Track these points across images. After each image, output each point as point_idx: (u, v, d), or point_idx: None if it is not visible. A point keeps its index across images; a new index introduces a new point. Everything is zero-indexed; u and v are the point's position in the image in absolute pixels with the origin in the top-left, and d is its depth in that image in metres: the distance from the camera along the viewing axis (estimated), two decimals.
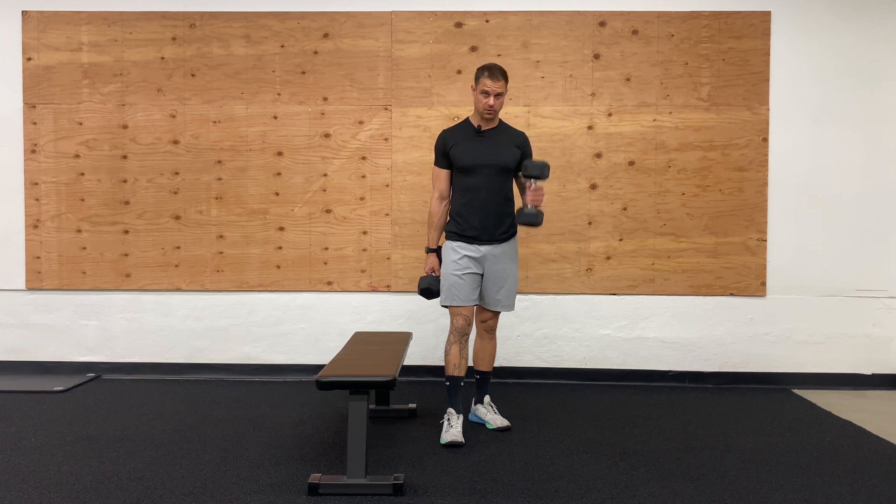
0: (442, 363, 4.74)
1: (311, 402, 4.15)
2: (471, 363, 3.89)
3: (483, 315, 3.72)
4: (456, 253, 3.56)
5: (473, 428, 3.69)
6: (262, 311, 4.79)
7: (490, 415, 3.75)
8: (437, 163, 3.66)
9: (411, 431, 3.63)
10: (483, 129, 3.60)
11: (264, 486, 2.87)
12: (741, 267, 4.67)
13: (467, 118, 3.69)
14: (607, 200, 4.68)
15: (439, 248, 3.69)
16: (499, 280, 3.61)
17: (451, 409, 3.53)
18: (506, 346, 4.67)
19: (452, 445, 3.38)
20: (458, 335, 3.54)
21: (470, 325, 3.57)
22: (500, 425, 3.67)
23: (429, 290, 3.64)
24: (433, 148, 3.76)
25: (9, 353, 4.83)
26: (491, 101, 3.49)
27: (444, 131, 3.67)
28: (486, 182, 3.55)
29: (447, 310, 3.70)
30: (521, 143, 3.66)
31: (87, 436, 3.51)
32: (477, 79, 3.53)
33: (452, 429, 3.45)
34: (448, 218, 3.66)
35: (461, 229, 3.57)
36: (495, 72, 3.49)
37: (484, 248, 3.56)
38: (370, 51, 4.69)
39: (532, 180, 3.47)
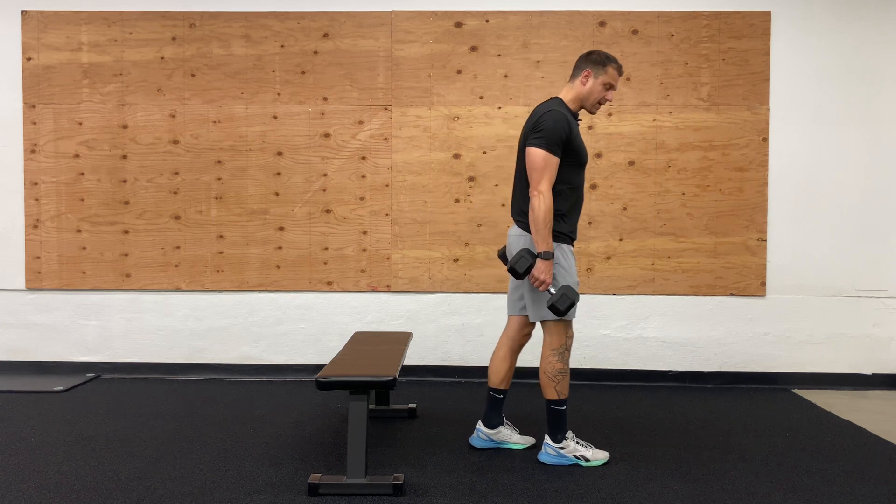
0: (440, 363, 4.76)
1: (311, 402, 4.15)
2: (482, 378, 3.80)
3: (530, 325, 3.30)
4: (572, 258, 3.12)
5: (472, 428, 3.67)
6: (261, 311, 4.79)
7: (517, 435, 3.41)
8: (555, 150, 2.97)
9: (411, 431, 3.63)
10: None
11: (264, 486, 2.87)
12: (741, 267, 4.67)
13: (560, 100, 3.10)
14: (607, 200, 4.68)
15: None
16: None
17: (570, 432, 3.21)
18: None
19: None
20: None
21: None
22: (530, 443, 3.42)
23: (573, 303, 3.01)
24: (550, 130, 2.97)
25: (9, 353, 4.83)
26: (611, 95, 3.13)
27: (563, 111, 3.03)
28: (584, 180, 3.22)
29: (513, 317, 3.29)
30: None
31: (87, 436, 3.51)
32: (600, 65, 3.07)
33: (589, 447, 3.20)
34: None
35: (569, 230, 3.12)
36: (621, 66, 3.13)
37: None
38: (370, 51, 4.69)
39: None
